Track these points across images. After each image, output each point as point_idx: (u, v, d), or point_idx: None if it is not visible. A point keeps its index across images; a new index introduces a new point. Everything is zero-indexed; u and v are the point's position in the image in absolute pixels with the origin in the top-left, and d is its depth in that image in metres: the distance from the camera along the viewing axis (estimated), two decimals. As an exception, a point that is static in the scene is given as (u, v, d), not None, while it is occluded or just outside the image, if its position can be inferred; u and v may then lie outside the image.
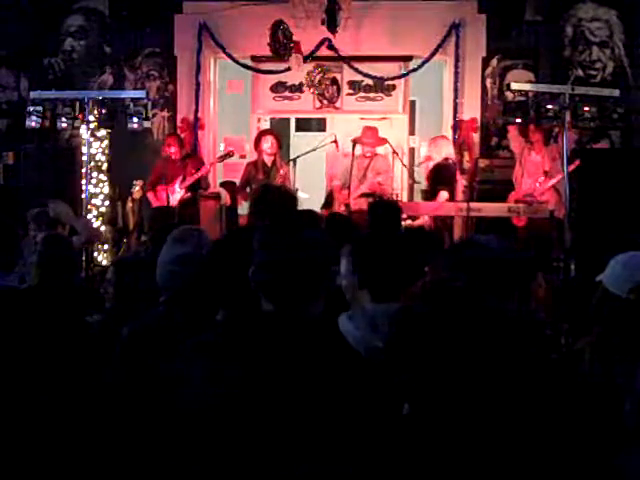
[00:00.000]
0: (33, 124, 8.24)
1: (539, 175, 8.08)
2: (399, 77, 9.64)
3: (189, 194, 8.27)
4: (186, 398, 1.81)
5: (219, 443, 1.74)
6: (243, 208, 8.61)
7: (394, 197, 7.93)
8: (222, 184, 9.33)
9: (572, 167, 7.50)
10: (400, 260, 2.38)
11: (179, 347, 1.96)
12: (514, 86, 7.95)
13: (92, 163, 8.76)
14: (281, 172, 8.06)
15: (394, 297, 2.31)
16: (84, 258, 7.34)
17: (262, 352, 1.80)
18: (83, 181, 8.40)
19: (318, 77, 9.78)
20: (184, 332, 2.45)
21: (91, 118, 8.07)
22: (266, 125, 10.24)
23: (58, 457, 2.39)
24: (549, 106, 7.52)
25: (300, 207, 8.23)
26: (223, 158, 8.45)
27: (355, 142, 8.13)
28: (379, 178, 8.05)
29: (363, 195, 7.96)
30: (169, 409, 1.84)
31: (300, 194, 8.36)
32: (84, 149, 8.53)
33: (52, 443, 2.40)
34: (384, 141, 8.27)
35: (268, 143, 8.18)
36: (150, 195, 8.35)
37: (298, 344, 1.82)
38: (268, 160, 8.22)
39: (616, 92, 7.93)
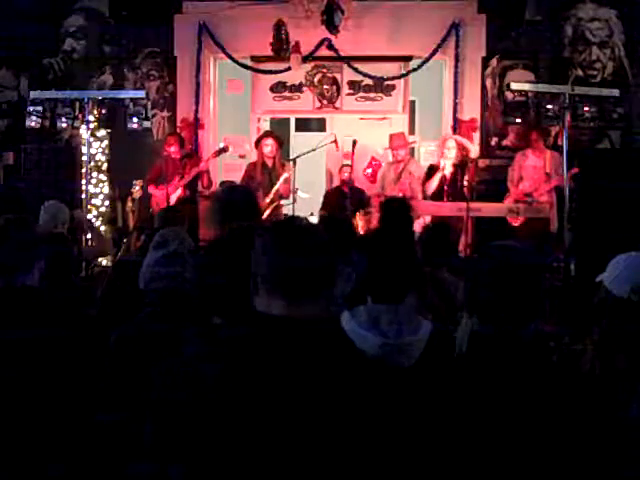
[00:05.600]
0: (33, 124, 8.24)
1: (539, 178, 8.07)
2: (399, 77, 9.64)
3: (187, 193, 8.27)
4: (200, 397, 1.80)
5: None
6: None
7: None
8: (222, 184, 9.33)
9: (572, 172, 7.50)
10: (402, 262, 2.38)
11: (183, 346, 1.95)
12: (514, 86, 7.94)
13: (92, 163, 8.76)
14: (285, 175, 8.05)
15: (396, 299, 2.31)
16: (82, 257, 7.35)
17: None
18: (83, 181, 8.40)
19: (318, 77, 9.78)
20: (170, 334, 2.45)
21: (91, 118, 8.07)
22: (266, 125, 10.24)
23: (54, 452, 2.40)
24: (549, 106, 7.52)
25: (299, 206, 8.32)
26: (218, 153, 8.44)
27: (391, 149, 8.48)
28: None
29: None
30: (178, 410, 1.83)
31: (300, 194, 8.37)
32: (84, 149, 8.53)
33: (49, 441, 2.40)
34: (408, 143, 8.57)
35: (268, 147, 8.19)
36: (151, 189, 8.32)
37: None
38: (269, 162, 8.24)
39: (616, 92, 7.93)
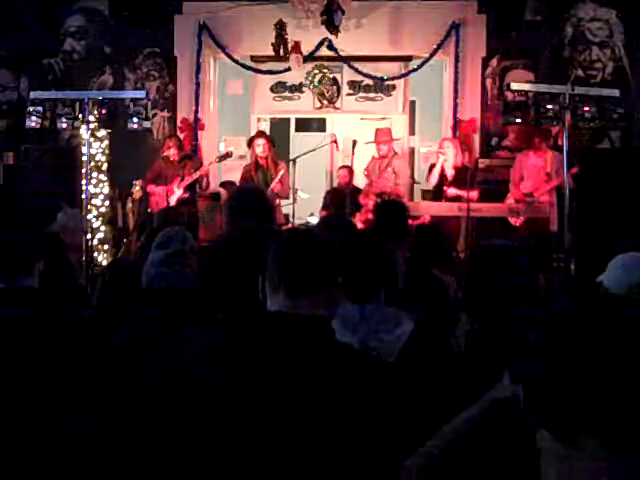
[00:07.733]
0: (33, 124, 8.22)
1: (540, 178, 8.07)
2: (399, 77, 9.64)
3: (187, 194, 8.28)
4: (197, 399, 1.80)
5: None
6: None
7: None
8: (222, 184, 9.34)
9: (572, 172, 7.50)
10: (375, 262, 2.38)
11: (185, 350, 1.95)
12: (514, 86, 7.94)
13: (92, 163, 8.75)
14: (280, 173, 8.03)
15: (368, 299, 2.31)
16: (84, 258, 7.35)
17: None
18: (83, 181, 8.40)
19: (318, 77, 9.78)
20: (176, 334, 2.45)
21: (91, 118, 8.05)
22: (266, 125, 10.25)
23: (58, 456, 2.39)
24: (549, 106, 7.51)
25: (299, 206, 8.32)
26: (221, 159, 8.47)
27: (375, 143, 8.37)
28: (393, 179, 8.16)
29: (377, 195, 8.02)
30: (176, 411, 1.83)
31: (300, 194, 8.37)
32: (84, 149, 8.51)
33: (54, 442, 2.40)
34: (392, 139, 8.44)
35: (260, 147, 8.13)
36: (150, 189, 8.34)
37: None
38: (262, 162, 8.18)
39: (616, 92, 7.92)
